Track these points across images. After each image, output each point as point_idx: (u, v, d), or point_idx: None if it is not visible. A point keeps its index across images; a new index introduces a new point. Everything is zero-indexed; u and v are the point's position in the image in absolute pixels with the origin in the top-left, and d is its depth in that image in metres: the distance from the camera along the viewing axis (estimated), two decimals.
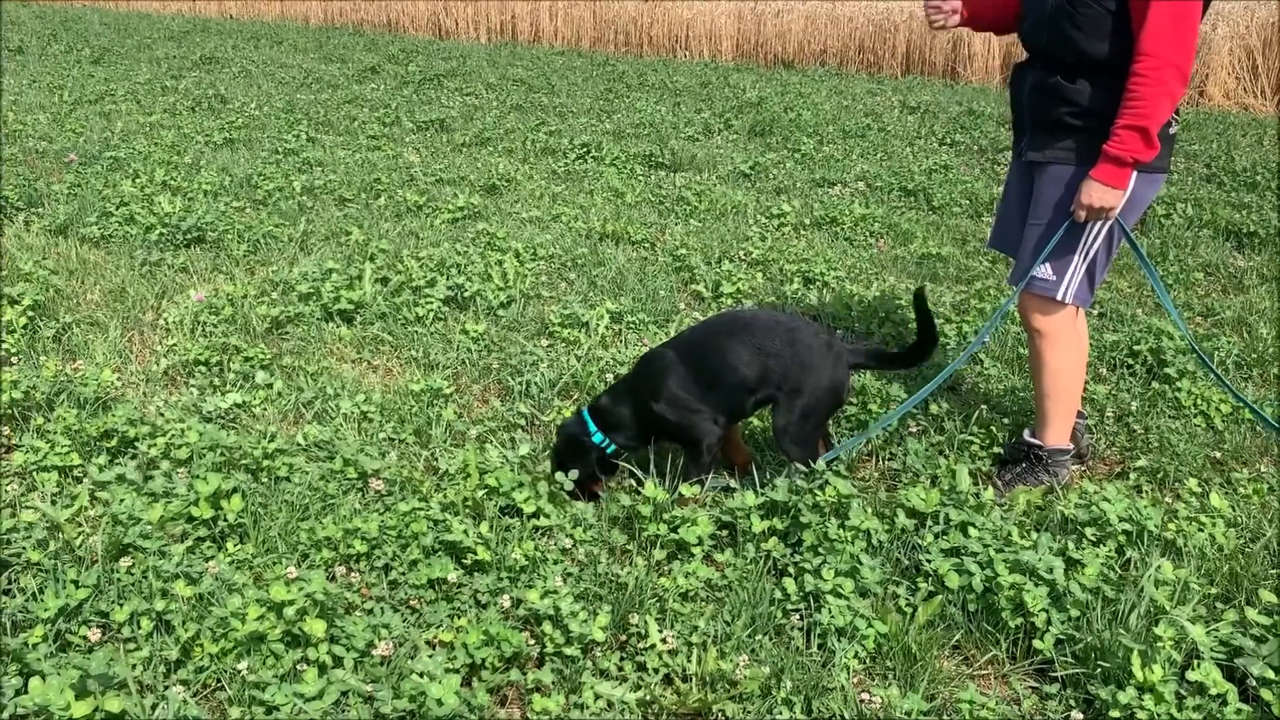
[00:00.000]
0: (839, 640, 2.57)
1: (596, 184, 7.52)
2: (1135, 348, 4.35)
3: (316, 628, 2.36)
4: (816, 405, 3.13)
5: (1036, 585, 2.62)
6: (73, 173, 7.15)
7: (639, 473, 3.29)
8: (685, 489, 3.12)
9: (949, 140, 9.43)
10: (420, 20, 20.12)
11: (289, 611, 2.38)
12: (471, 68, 13.96)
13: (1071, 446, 3.44)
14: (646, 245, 6.06)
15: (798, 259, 5.61)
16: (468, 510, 3.04)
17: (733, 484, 3.29)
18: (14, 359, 4.14)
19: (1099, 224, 3.11)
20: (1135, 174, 2.99)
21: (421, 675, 2.28)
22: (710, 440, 3.18)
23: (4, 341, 4.25)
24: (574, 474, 3.20)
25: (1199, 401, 3.93)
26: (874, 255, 5.93)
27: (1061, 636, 2.57)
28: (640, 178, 7.84)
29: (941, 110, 11.07)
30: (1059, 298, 3.21)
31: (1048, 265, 3.20)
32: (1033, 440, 3.43)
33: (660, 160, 8.35)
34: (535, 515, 3.03)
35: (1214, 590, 2.79)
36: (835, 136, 9.42)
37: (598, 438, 3.26)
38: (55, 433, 3.38)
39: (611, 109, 10.85)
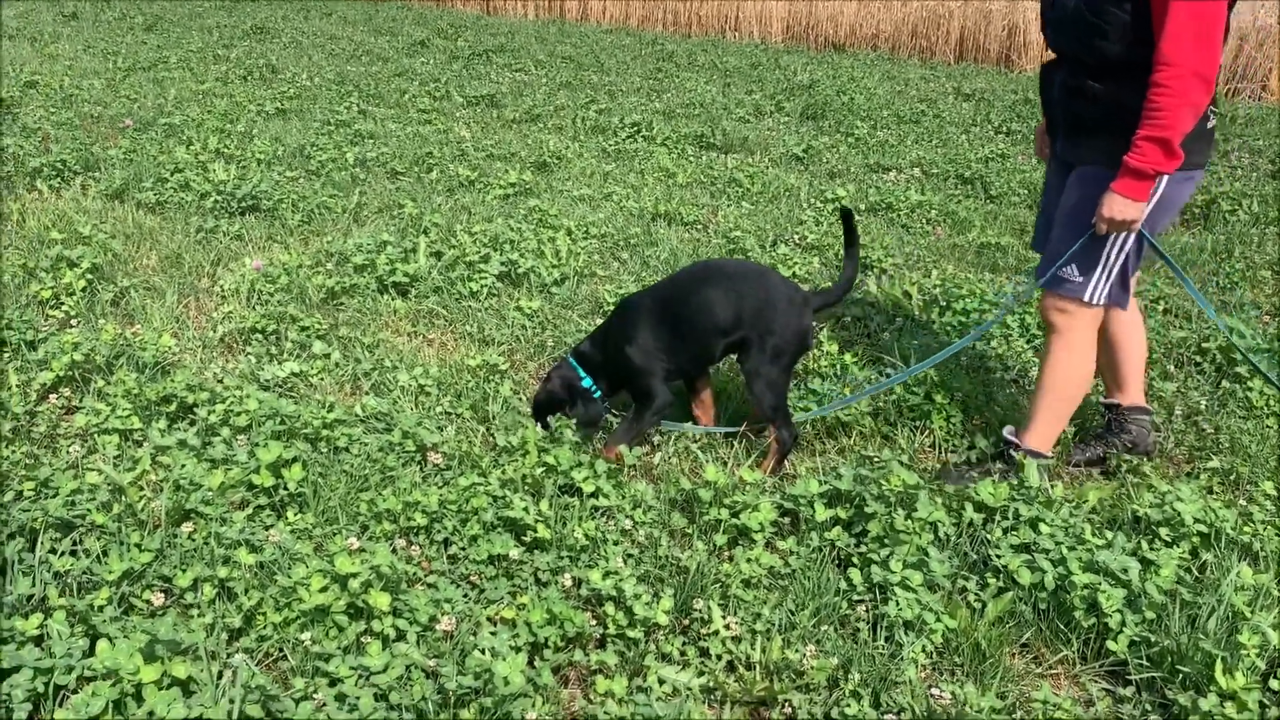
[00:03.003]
0: (906, 633, 2.51)
1: (647, 164, 7.46)
2: (1204, 345, 4.24)
3: (381, 601, 2.34)
4: (785, 347, 3.25)
5: (1113, 586, 2.55)
6: (128, 138, 7.19)
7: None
8: (746, 474, 3.07)
9: (1005, 129, 9.27)
10: None
11: (354, 584, 2.37)
12: (520, 44, 13.90)
13: (1051, 455, 3.34)
14: (699, 226, 6.00)
15: None
16: (527, 487, 3.01)
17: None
18: (73, 321, 4.16)
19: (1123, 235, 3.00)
20: (1176, 171, 2.85)
21: (486, 652, 2.26)
22: (661, 403, 3.31)
23: (63, 304, 4.28)
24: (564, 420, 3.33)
25: (1271, 402, 3.82)
26: (931, 243, 5.83)
27: (1136, 638, 2.50)
28: (691, 158, 7.76)
29: (996, 98, 10.87)
30: (1086, 299, 3.10)
31: (1074, 266, 3.09)
32: (1011, 438, 3.31)
33: (711, 141, 8.26)
34: (594, 495, 2.99)
35: None
36: (889, 122, 9.28)
37: (587, 382, 3.40)
38: (115, 396, 3.38)
39: (661, 88, 10.76)
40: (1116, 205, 2.87)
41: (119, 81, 9.43)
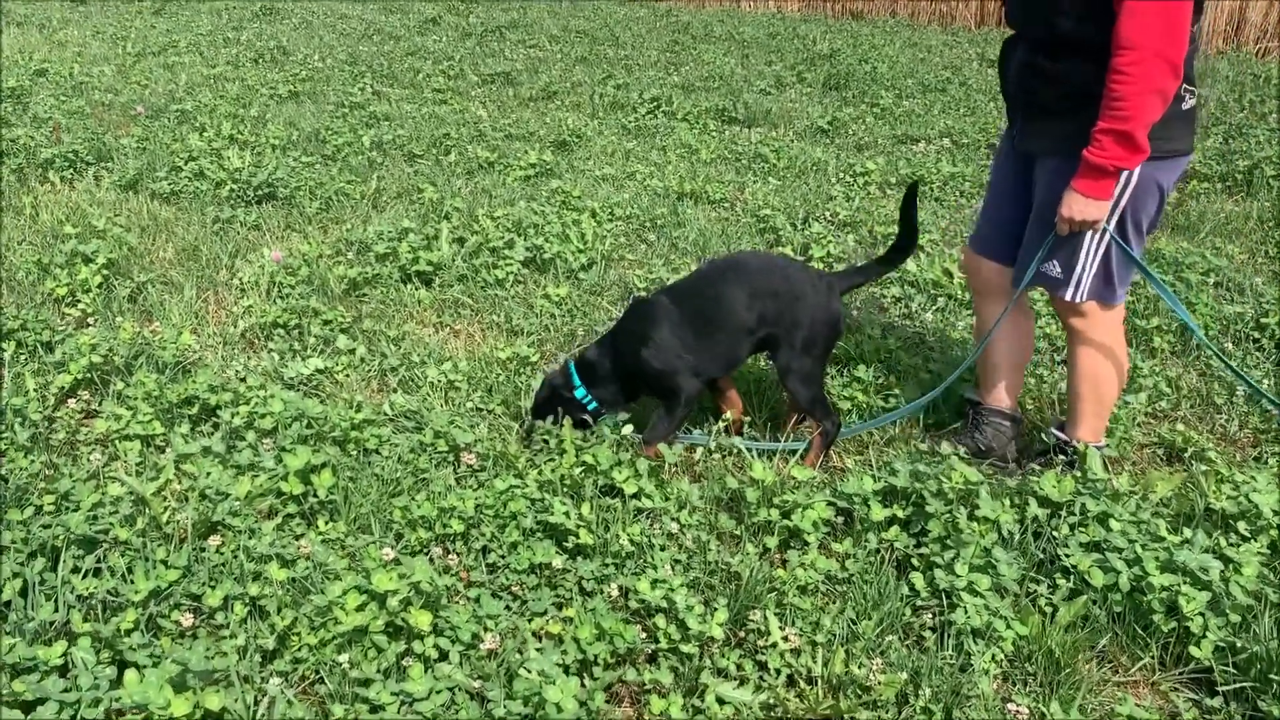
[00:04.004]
0: (975, 642, 2.37)
1: (669, 140, 7.28)
2: (1263, 320, 4.06)
3: (422, 620, 2.22)
4: (815, 337, 3.09)
5: (1193, 587, 2.40)
6: (140, 126, 7.05)
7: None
8: (796, 470, 2.93)
9: None
10: None
11: (392, 601, 2.24)
12: (533, 19, 13.67)
13: (1107, 444, 3.17)
14: (726, 205, 5.83)
15: (888, 220, 5.35)
16: (566, 489, 2.87)
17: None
18: (90, 320, 4.04)
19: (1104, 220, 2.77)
20: (1154, 160, 2.63)
21: (534, 673, 2.13)
22: (690, 393, 3.11)
23: (79, 301, 4.16)
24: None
25: None
26: (967, 216, 5.65)
27: (1221, 644, 2.35)
28: (714, 133, 7.57)
29: None
30: (1068, 297, 2.89)
31: (1055, 262, 2.87)
32: (1062, 435, 3.14)
33: (733, 115, 8.07)
34: (636, 496, 2.85)
35: None
36: (914, 90, 9.05)
37: (580, 393, 3.18)
38: (136, 399, 3.26)
39: (679, 61, 10.55)
40: (1077, 205, 2.67)
41: (129, 68, 9.29)
